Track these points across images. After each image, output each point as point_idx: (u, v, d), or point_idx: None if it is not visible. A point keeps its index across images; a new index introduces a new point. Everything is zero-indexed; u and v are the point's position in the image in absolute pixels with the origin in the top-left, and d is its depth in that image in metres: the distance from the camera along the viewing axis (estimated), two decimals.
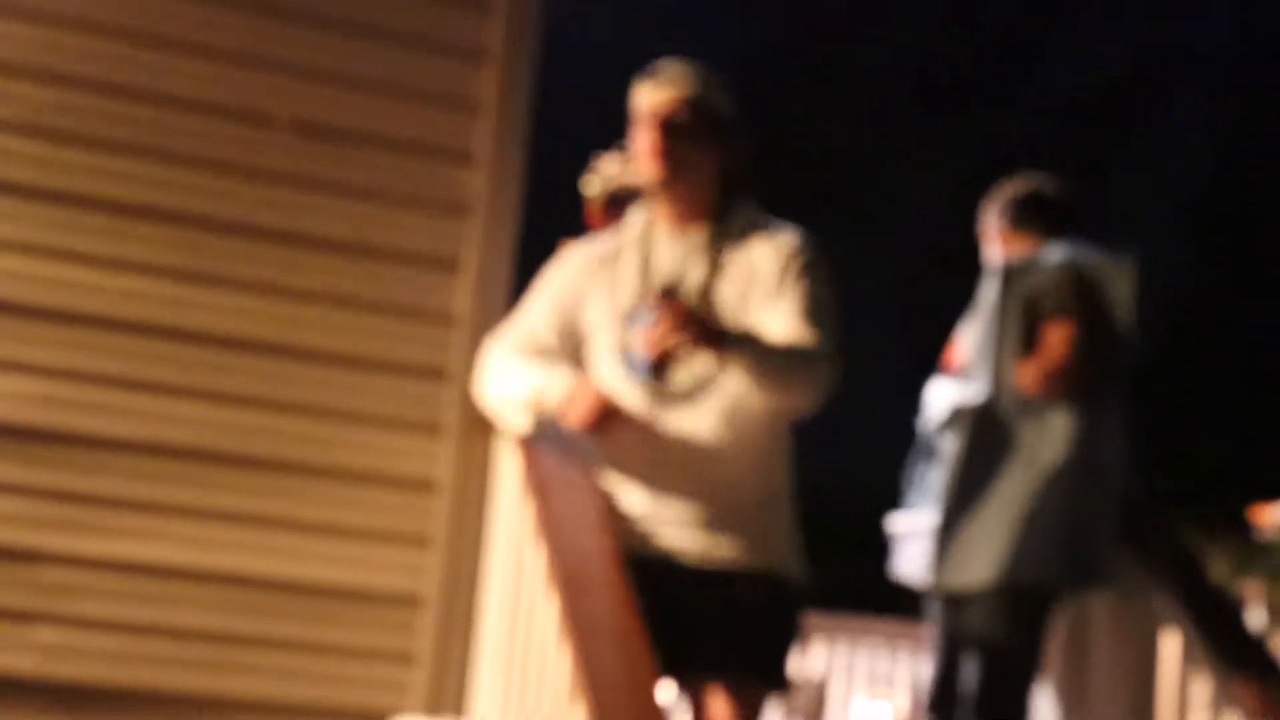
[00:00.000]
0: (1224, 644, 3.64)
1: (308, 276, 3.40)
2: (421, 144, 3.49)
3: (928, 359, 4.03)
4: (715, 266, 3.06)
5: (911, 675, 7.61)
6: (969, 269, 4.13)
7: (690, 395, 2.99)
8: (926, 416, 3.98)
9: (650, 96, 3.10)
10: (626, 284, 3.09)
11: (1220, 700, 3.68)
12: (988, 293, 3.83)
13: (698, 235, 3.09)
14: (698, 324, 2.86)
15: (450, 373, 3.41)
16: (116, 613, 3.21)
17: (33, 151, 3.26)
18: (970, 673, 3.74)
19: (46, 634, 3.16)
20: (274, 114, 3.38)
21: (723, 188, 3.12)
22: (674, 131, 3.05)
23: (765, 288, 3.02)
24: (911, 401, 4.08)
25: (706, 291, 3.04)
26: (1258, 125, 22.68)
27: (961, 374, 3.85)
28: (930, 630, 3.92)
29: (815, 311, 3.01)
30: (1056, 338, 3.73)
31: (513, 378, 3.11)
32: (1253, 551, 4.21)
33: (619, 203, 3.57)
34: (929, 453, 3.96)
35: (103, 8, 3.33)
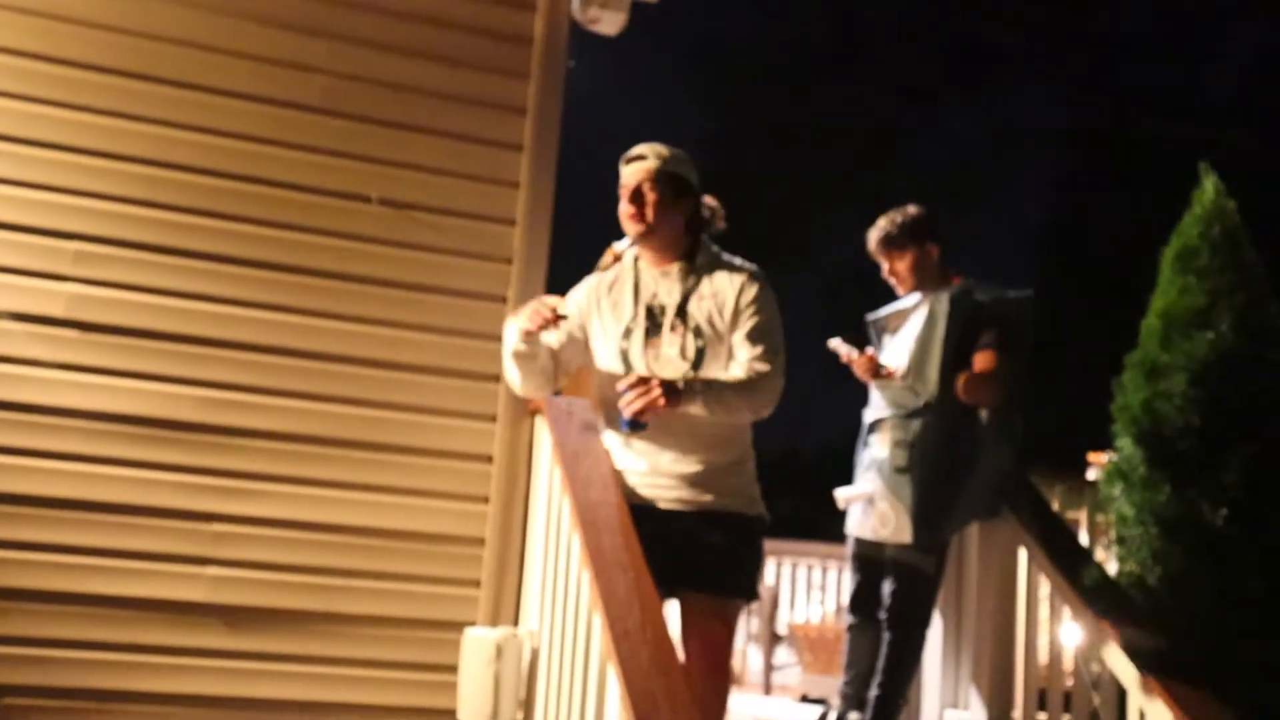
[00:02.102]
0: (1062, 558, 3.63)
1: (400, 311, 3.40)
2: (476, 213, 3.50)
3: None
4: (687, 293, 2.97)
5: (838, 585, 7.59)
6: (871, 285, 4.07)
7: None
8: (870, 409, 3.83)
9: (627, 172, 3.02)
10: (624, 304, 3.04)
11: (1054, 595, 3.66)
12: (934, 313, 3.71)
13: (673, 270, 3.02)
14: (658, 390, 2.77)
15: (501, 376, 3.38)
16: (261, 556, 3.23)
17: (206, 226, 3.27)
18: (888, 588, 3.69)
19: (213, 571, 3.19)
20: (369, 196, 3.38)
21: (689, 235, 3.03)
22: (643, 199, 2.97)
23: (726, 311, 2.93)
24: (829, 385, 3.95)
25: (683, 310, 2.95)
26: (1085, 181, 22.85)
27: (905, 378, 3.69)
28: (851, 554, 3.86)
29: (764, 338, 2.92)
30: (984, 362, 3.67)
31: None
32: (1080, 488, 4.24)
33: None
34: (868, 440, 3.83)
35: (241, 120, 3.32)
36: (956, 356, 3.68)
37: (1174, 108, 21.72)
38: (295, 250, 3.35)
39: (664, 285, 3.00)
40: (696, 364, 2.92)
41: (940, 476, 3.63)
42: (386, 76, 3.45)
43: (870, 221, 3.95)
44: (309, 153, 3.39)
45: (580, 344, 3.08)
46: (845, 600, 4.02)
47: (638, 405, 2.77)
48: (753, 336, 2.93)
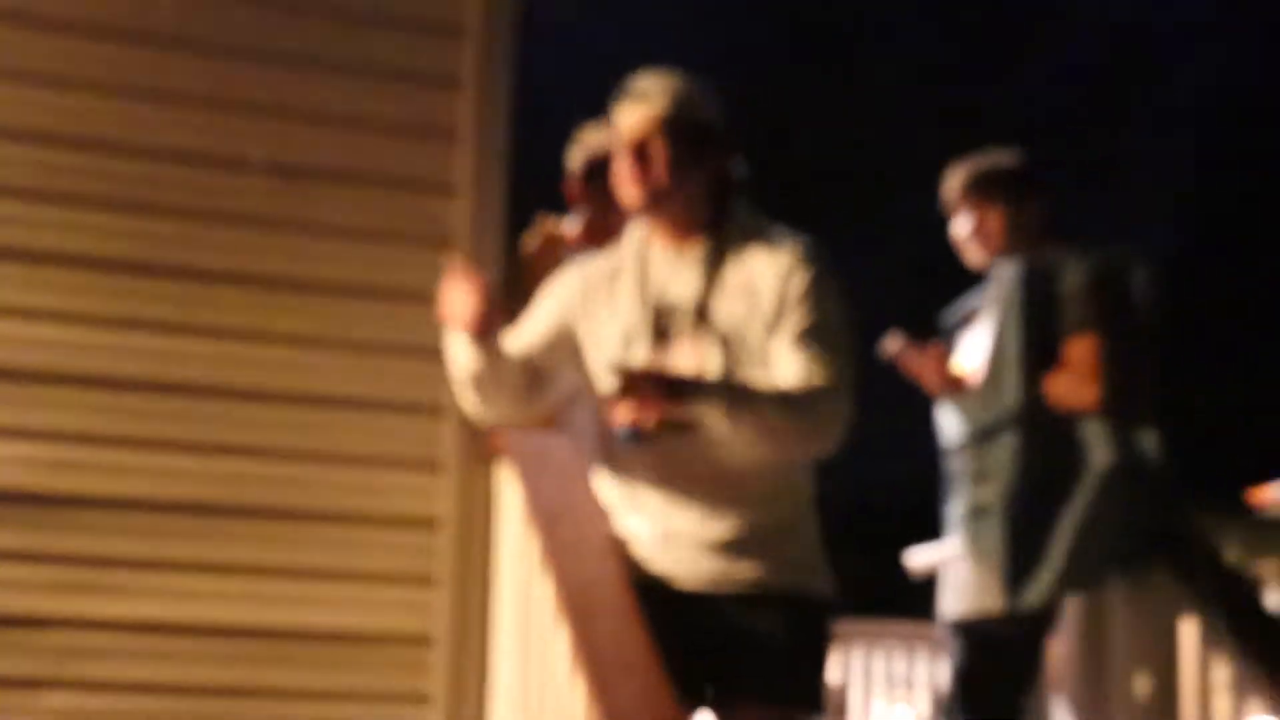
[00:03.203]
0: (1247, 630, 3.61)
1: (294, 319, 3.40)
2: (400, 177, 3.49)
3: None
4: (712, 283, 2.92)
5: (930, 677, 7.64)
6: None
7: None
8: (948, 438, 3.86)
9: (624, 119, 2.96)
10: (625, 303, 2.97)
11: (1242, 683, 3.61)
12: (1005, 297, 3.73)
13: (693, 251, 2.95)
14: (658, 383, 2.74)
15: (445, 407, 3.37)
16: (126, 673, 3.20)
17: (12, 211, 3.27)
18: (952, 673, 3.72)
19: (56, 699, 3.14)
20: (248, 157, 3.38)
21: (716, 198, 2.98)
22: (651, 156, 2.92)
23: (765, 308, 2.88)
24: (914, 397, 4.00)
25: (703, 310, 2.91)
26: (1244, 107, 23.00)
27: (982, 384, 3.73)
28: (946, 635, 3.84)
29: (818, 340, 2.85)
30: (1081, 352, 3.64)
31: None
32: (1263, 532, 4.20)
33: (599, 174, 3.63)
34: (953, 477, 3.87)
35: (71, 62, 3.34)
36: (1043, 347, 3.65)
37: None
38: (149, 241, 3.31)
39: (678, 273, 2.96)
40: None
41: (1036, 514, 3.61)
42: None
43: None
44: (161, 103, 3.36)
45: (568, 352, 3.04)
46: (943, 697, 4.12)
47: (631, 411, 2.74)
48: (804, 339, 2.85)
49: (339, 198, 3.43)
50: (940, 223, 4.07)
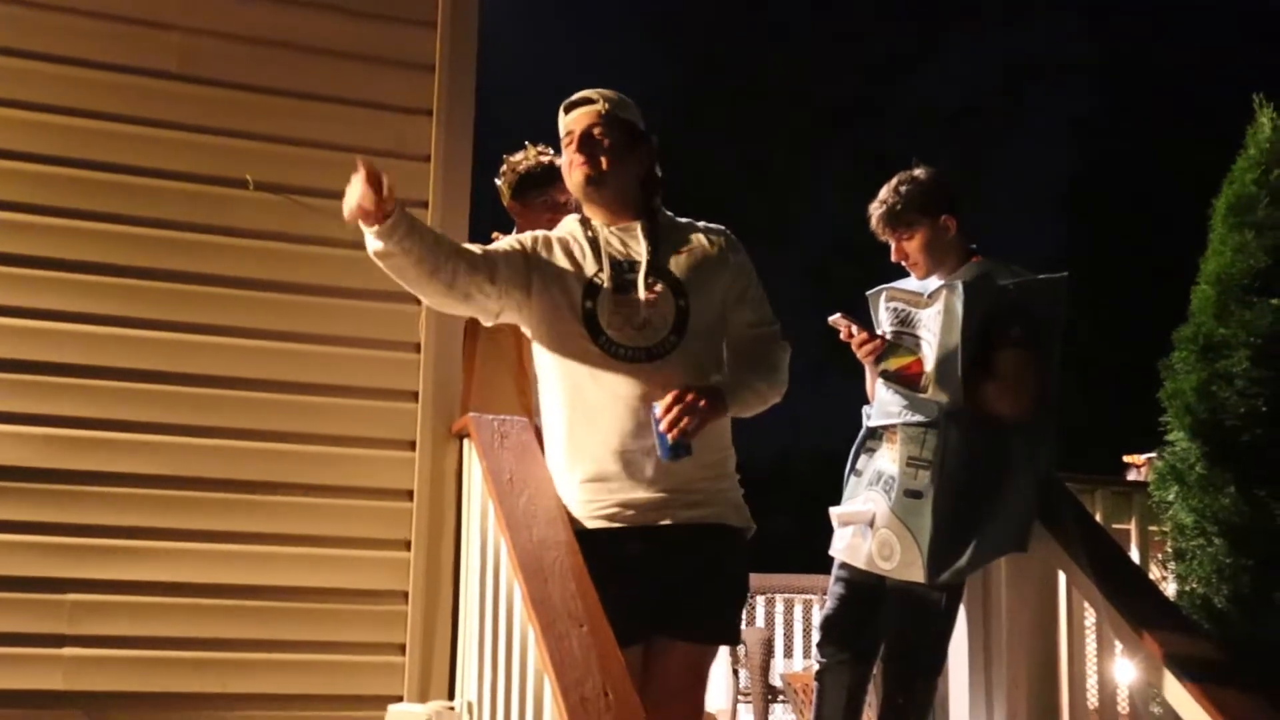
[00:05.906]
0: (1110, 581, 3.58)
1: (292, 320, 3.44)
2: None
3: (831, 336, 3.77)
4: (658, 247, 3.04)
5: None
6: (866, 258, 4.05)
7: (652, 356, 2.94)
8: (875, 411, 3.79)
9: (571, 118, 3.11)
10: (583, 259, 3.04)
11: (1102, 625, 3.60)
12: (949, 308, 3.64)
13: (633, 227, 3.07)
14: (702, 400, 2.84)
15: (419, 394, 3.46)
16: (136, 628, 3.23)
17: (42, 224, 3.29)
18: (889, 627, 3.65)
19: (72, 651, 3.18)
20: (244, 177, 3.27)
21: (645, 189, 3.12)
22: (595, 144, 3.06)
23: (710, 267, 3.06)
24: (822, 382, 3.91)
25: (656, 266, 3.01)
26: (1116, 124, 23.23)
27: (926, 382, 3.64)
28: (835, 576, 3.79)
29: (765, 306, 3.15)
30: (1020, 366, 3.60)
31: None
32: (1124, 495, 4.19)
33: (529, 186, 3.69)
34: (870, 445, 3.81)
35: (80, 93, 3.35)
36: (977, 352, 3.61)
37: (1221, 29, 21.97)
38: (158, 251, 3.37)
39: (626, 241, 3.08)
40: (679, 327, 2.99)
41: (963, 503, 3.59)
42: (256, 31, 3.48)
43: (859, 183, 3.99)
44: (167, 130, 3.39)
45: (519, 274, 3.03)
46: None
47: (684, 422, 2.82)
48: (754, 305, 3.14)
49: (324, 213, 3.23)
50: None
